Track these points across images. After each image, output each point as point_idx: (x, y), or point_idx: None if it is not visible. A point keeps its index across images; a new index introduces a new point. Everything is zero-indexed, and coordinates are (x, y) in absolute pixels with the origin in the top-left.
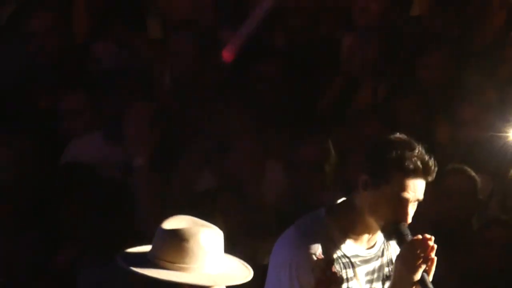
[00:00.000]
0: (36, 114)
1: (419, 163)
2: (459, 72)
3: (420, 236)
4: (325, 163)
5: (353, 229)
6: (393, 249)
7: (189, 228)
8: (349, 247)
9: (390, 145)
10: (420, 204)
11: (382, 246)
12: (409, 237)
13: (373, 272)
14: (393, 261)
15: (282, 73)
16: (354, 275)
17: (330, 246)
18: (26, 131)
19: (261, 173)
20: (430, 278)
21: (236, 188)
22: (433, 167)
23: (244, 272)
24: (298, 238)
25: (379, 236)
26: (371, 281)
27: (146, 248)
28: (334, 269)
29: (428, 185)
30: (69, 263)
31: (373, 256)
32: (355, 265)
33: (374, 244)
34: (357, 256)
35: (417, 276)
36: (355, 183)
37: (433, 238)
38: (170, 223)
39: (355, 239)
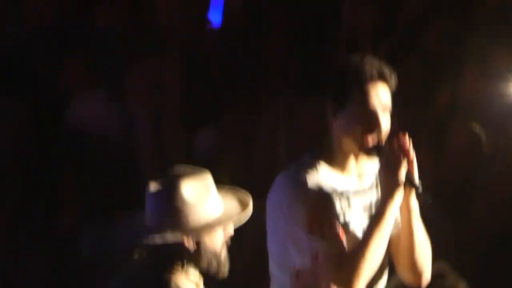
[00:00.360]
0: (36, 77)
1: (373, 69)
2: (464, 34)
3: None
4: None
5: (338, 162)
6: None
7: (171, 186)
8: (339, 181)
9: (342, 64)
10: (424, 161)
11: (376, 179)
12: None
13: (370, 206)
14: None
15: (283, 42)
16: (349, 207)
17: (319, 182)
18: (26, 96)
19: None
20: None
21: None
22: (389, 72)
23: (238, 212)
24: (285, 181)
25: (368, 166)
26: (370, 216)
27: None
28: (325, 203)
29: (432, 142)
30: (72, 225)
31: (366, 188)
32: (349, 197)
33: (366, 176)
34: (349, 188)
35: (401, 177)
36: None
37: (407, 134)
38: (154, 184)
39: (343, 172)
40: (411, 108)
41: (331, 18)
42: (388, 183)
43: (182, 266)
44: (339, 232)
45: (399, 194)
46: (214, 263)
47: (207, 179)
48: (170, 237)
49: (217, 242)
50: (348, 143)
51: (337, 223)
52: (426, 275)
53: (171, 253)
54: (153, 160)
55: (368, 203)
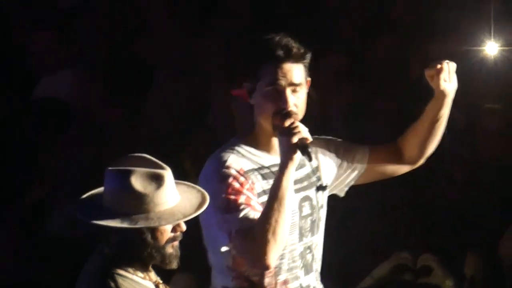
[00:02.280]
0: (6, 51)
1: (279, 48)
2: (431, 9)
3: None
4: None
5: (262, 141)
6: (322, 156)
7: (132, 177)
8: (265, 159)
9: (251, 44)
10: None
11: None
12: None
13: (301, 180)
14: (320, 168)
15: None
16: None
17: (244, 161)
18: None
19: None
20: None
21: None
22: (296, 49)
23: (197, 200)
24: (207, 164)
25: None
26: (303, 189)
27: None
28: (241, 180)
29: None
30: (42, 198)
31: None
32: (276, 173)
33: None
34: (276, 165)
35: (293, 141)
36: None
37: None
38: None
39: (269, 150)
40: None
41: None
42: (281, 152)
43: (126, 259)
44: (255, 207)
45: (293, 161)
46: (157, 257)
47: (164, 173)
48: (136, 222)
49: (162, 236)
50: (264, 123)
51: (254, 198)
52: (428, 155)
53: (125, 241)
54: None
55: (299, 177)
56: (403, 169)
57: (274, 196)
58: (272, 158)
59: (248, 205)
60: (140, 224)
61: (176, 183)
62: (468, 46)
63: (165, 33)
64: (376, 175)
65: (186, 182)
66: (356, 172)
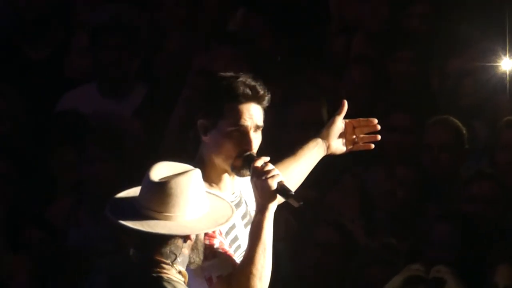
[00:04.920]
0: (28, 66)
1: (247, 88)
2: (448, 23)
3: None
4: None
5: (214, 179)
6: (247, 192)
7: (171, 176)
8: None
9: (216, 82)
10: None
11: (240, 191)
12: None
13: (245, 215)
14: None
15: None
16: (234, 223)
17: None
18: (19, 83)
19: None
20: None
21: None
22: (262, 91)
23: (227, 210)
24: None
25: (236, 180)
26: (247, 224)
27: (135, 191)
28: None
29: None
30: (65, 212)
31: (239, 199)
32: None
33: (241, 191)
34: (230, 201)
35: (273, 186)
36: (196, 134)
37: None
38: (155, 172)
39: (221, 188)
40: None
41: None
42: (262, 195)
43: (174, 261)
44: (228, 250)
45: (274, 204)
46: (197, 259)
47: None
48: (174, 228)
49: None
50: (218, 161)
51: (224, 241)
52: None
53: (167, 246)
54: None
55: (243, 212)
56: None
57: (257, 240)
58: (224, 195)
59: (223, 249)
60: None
61: (207, 192)
62: (483, 62)
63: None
64: None
65: (216, 193)
66: None
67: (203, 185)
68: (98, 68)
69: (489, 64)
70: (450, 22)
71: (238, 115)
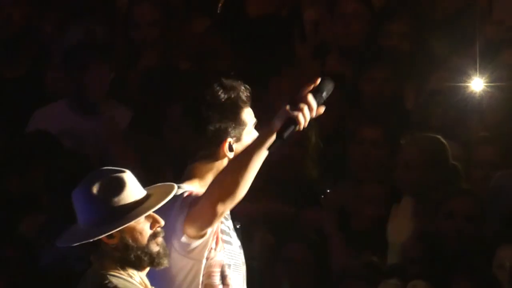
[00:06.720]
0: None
1: (246, 92)
2: (425, 40)
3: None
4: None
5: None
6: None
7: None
8: None
9: (224, 98)
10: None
11: None
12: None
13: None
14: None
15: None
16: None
17: None
18: None
19: None
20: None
21: None
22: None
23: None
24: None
25: None
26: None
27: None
28: None
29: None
30: (35, 231)
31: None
32: (227, 217)
33: None
34: None
35: (293, 115)
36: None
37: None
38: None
39: None
40: None
41: None
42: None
43: (117, 265)
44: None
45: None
46: (145, 258)
47: (124, 176)
48: (92, 235)
49: (142, 235)
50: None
51: None
52: None
53: (102, 253)
54: None
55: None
56: None
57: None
58: None
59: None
60: (109, 230)
61: (154, 186)
62: (454, 82)
63: None
64: None
65: (164, 184)
66: None
67: (131, 182)
68: (72, 85)
69: (459, 84)
70: (426, 41)
71: (251, 117)
